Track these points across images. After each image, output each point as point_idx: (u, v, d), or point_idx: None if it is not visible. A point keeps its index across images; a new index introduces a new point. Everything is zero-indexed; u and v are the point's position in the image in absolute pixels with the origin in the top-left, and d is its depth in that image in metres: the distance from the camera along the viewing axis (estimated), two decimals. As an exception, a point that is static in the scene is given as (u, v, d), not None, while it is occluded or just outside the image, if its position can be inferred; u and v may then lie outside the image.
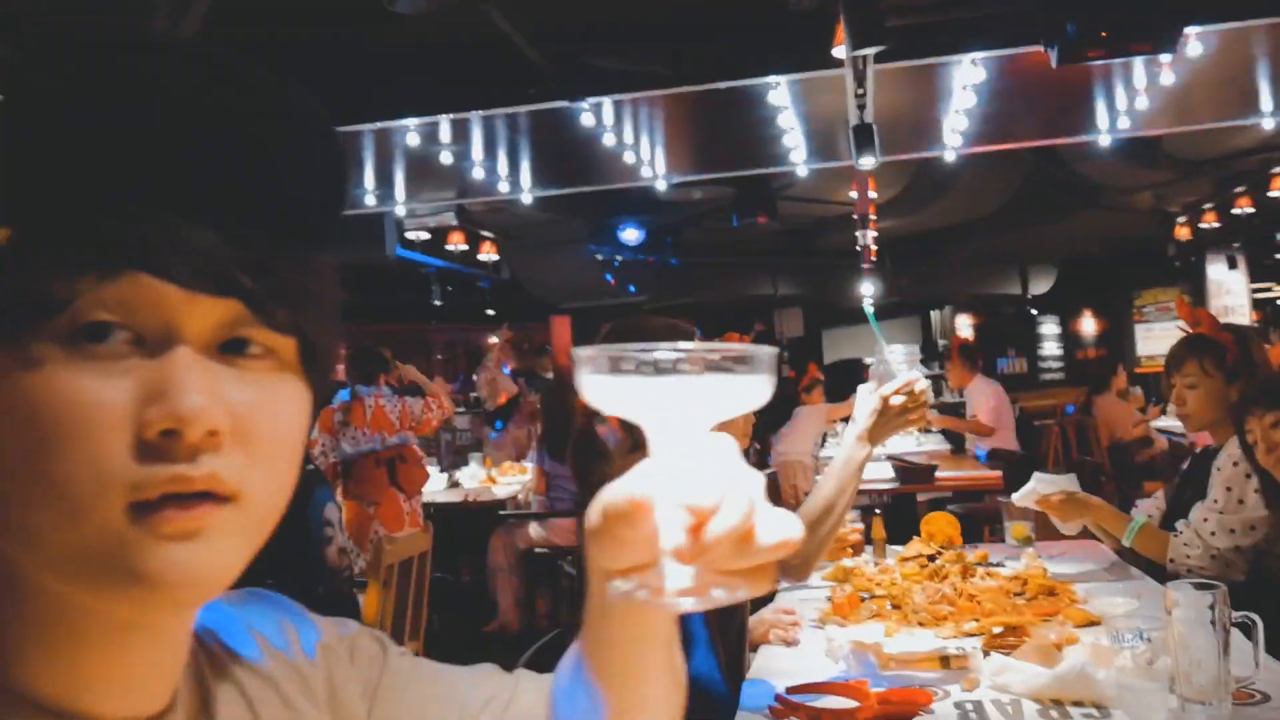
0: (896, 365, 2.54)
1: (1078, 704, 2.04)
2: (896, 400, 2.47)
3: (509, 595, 6.80)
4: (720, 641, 2.28)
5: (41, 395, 0.62)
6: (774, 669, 2.43)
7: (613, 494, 0.66)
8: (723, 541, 0.62)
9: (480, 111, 5.55)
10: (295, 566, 4.06)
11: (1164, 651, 2.05)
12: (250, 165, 0.69)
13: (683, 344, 0.64)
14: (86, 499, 0.62)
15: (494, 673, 1.02)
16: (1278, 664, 2.19)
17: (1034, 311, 15.87)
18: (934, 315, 16.20)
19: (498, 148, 6.55)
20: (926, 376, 2.53)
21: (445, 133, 5.90)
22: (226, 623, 0.88)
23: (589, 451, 2.32)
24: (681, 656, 0.90)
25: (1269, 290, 15.27)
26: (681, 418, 0.67)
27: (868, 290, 11.62)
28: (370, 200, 7.37)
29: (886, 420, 2.47)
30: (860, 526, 2.86)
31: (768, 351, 0.66)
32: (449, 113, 5.52)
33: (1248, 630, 2.04)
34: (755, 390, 0.67)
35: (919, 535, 3.59)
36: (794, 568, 2.50)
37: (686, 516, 0.63)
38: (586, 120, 5.53)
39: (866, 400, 2.50)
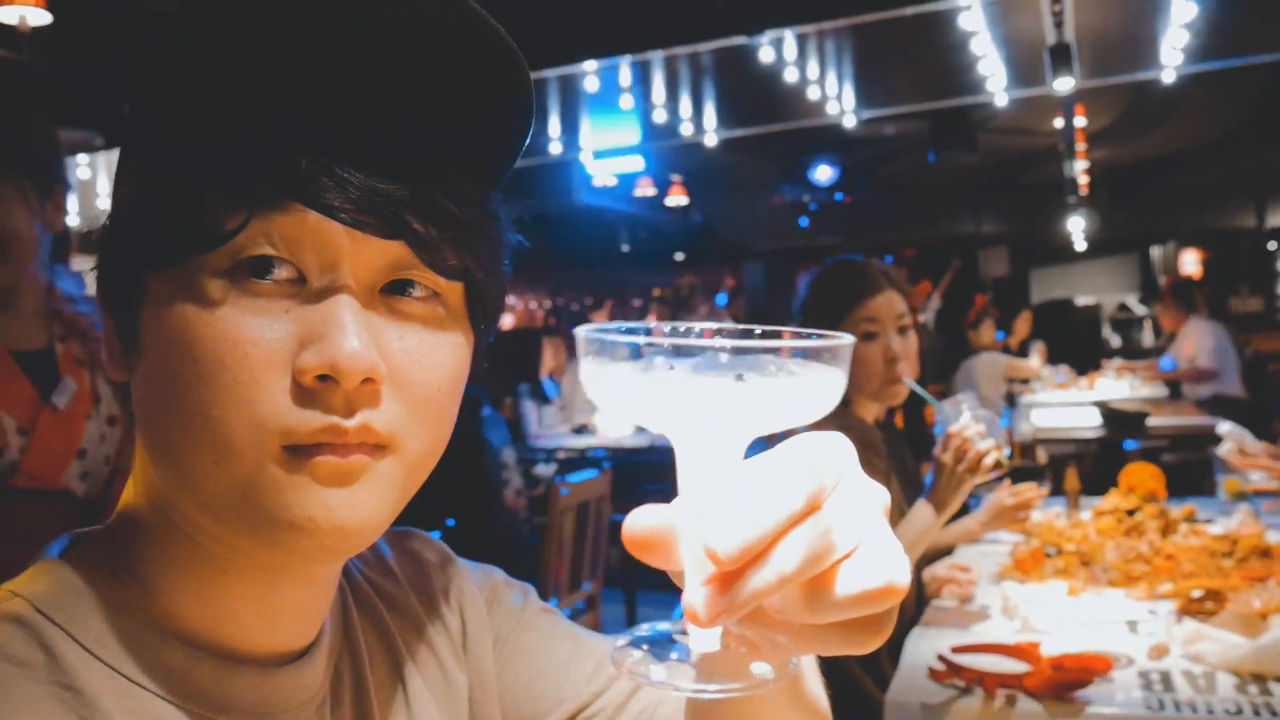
0: (953, 414, 2.30)
1: (1282, 679, 1.82)
2: (976, 452, 2.27)
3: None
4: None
5: (201, 328, 0.61)
6: (943, 625, 2.31)
7: (636, 518, 0.53)
8: (766, 595, 0.46)
9: (661, 51, 5.49)
10: (474, 509, 4.20)
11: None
12: (424, 96, 0.65)
13: (712, 326, 0.48)
14: (240, 439, 0.61)
15: None
16: None
17: (1272, 245, 14.53)
18: (1154, 251, 15.08)
19: (680, 89, 6.49)
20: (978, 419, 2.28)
21: (627, 76, 5.89)
22: (375, 560, 0.88)
23: None
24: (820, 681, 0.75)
25: None
26: (714, 428, 0.49)
27: (1078, 225, 10.90)
28: (555, 148, 7.46)
29: (949, 481, 2.28)
30: (1043, 489, 2.65)
31: (844, 343, 0.48)
32: (630, 53, 5.49)
33: None
34: (814, 396, 0.48)
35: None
36: None
37: (708, 565, 0.46)
38: (766, 55, 5.37)
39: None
